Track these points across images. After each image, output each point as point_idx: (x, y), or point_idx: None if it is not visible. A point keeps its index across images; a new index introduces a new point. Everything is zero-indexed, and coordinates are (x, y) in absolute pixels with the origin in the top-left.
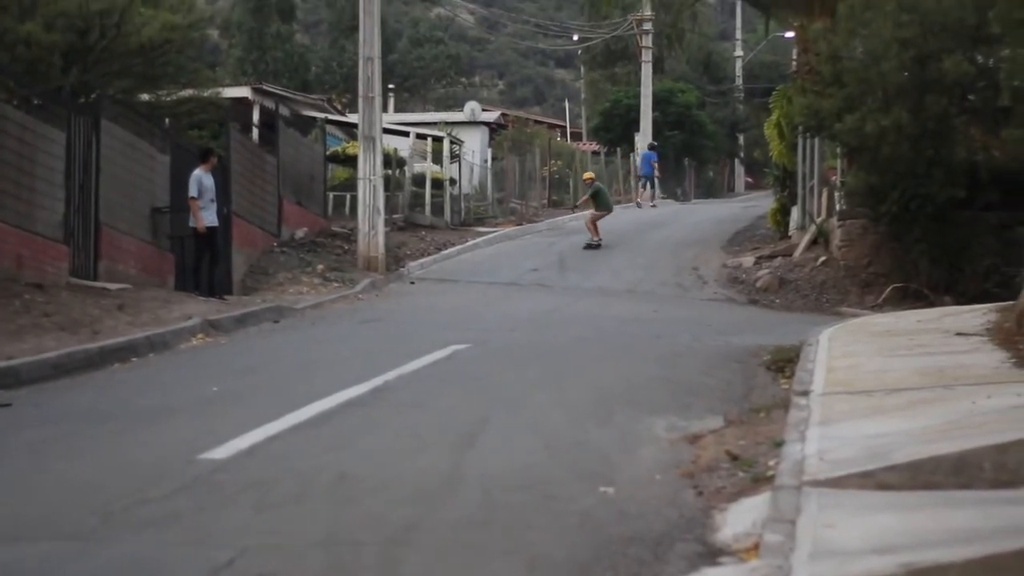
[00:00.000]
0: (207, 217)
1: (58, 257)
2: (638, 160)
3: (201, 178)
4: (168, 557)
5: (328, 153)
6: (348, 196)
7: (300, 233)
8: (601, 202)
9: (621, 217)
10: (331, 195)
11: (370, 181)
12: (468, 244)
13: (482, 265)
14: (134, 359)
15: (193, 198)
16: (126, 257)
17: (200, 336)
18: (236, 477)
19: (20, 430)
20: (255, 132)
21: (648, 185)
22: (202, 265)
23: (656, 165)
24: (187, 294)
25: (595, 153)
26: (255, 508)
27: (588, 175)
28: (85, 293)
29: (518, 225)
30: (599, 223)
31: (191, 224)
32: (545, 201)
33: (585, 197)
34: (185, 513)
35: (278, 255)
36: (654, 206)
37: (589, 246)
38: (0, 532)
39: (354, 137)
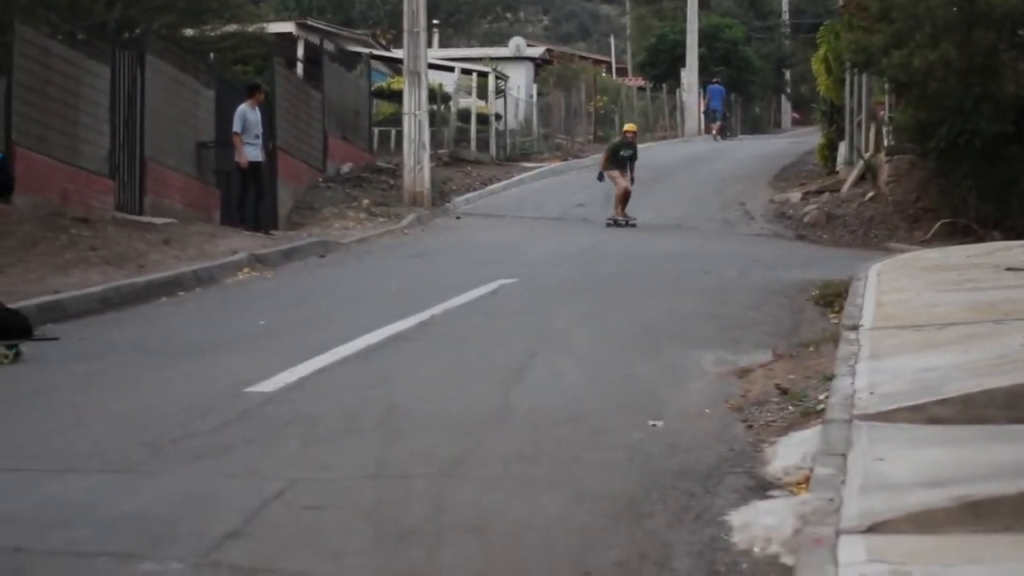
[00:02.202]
0: (250, 152)
1: (103, 191)
2: (706, 96)
3: (246, 113)
4: (217, 489)
5: (373, 88)
6: (393, 131)
7: (345, 168)
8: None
9: (667, 152)
10: (376, 130)
11: (415, 116)
12: (514, 179)
13: (528, 200)
14: (181, 293)
15: (236, 133)
16: (171, 191)
17: (246, 270)
18: (284, 410)
19: (68, 364)
20: (300, 67)
21: (717, 118)
22: (247, 200)
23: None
24: (233, 228)
25: (641, 89)
26: (303, 441)
27: (629, 126)
28: (131, 227)
29: (564, 160)
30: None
31: (237, 159)
32: (591, 136)
33: (604, 157)
34: (234, 446)
35: (324, 190)
36: (716, 139)
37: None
38: (51, 464)
39: (399, 72)
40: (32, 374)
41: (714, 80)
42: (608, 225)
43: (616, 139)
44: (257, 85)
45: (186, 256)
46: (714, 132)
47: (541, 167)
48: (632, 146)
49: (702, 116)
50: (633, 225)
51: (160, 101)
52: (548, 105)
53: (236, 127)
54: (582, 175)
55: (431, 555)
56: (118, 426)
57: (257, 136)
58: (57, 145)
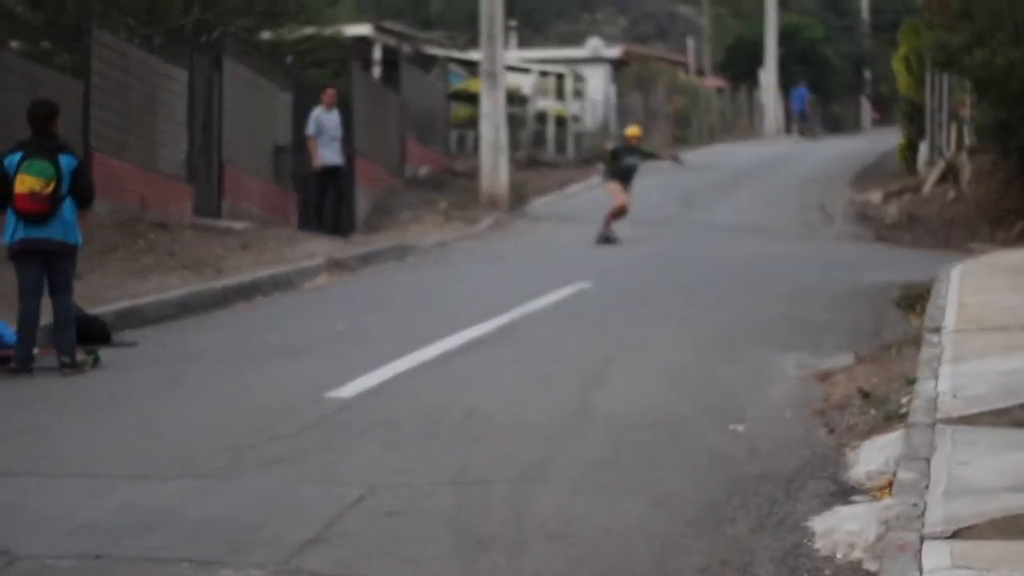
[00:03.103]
0: (326, 155)
1: (181, 196)
2: (790, 98)
3: (320, 116)
4: (297, 495)
5: (450, 91)
6: (471, 134)
7: (423, 171)
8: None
9: (745, 153)
10: (454, 133)
11: (492, 119)
12: (592, 182)
13: (605, 203)
14: (258, 298)
15: (310, 136)
16: (249, 196)
17: (325, 275)
18: (363, 415)
19: (146, 369)
20: (377, 70)
21: (802, 120)
22: (325, 204)
23: (808, 100)
24: (311, 233)
25: (719, 89)
26: (383, 446)
27: (633, 131)
28: (209, 232)
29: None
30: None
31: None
32: (670, 137)
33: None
34: (313, 451)
35: (401, 193)
36: (803, 138)
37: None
38: (130, 470)
39: (476, 75)
40: (111, 380)
41: (798, 82)
42: (599, 243)
43: (614, 145)
44: (325, 86)
45: (264, 261)
46: (800, 132)
47: None
48: (636, 152)
49: (785, 116)
50: (614, 242)
51: (237, 105)
52: (626, 106)
53: (310, 130)
54: (660, 176)
55: (511, 561)
56: (197, 432)
57: (334, 139)
58: (135, 150)
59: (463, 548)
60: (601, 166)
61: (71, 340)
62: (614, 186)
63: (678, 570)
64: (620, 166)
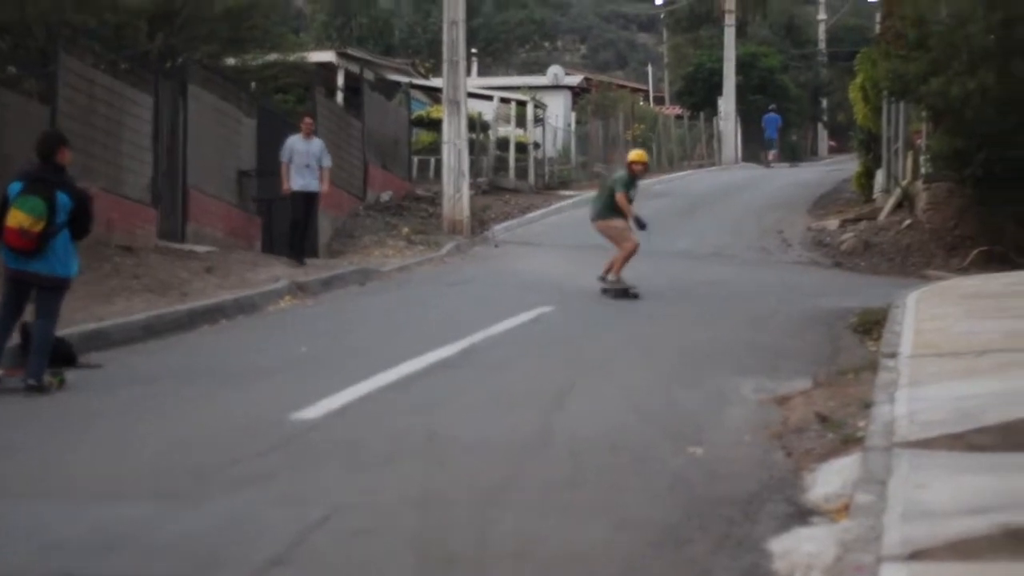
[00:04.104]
0: (295, 181)
1: (147, 220)
2: (762, 124)
3: (293, 143)
4: (262, 516)
5: (412, 117)
6: (432, 160)
7: (385, 196)
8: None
9: (704, 180)
10: (416, 159)
11: (454, 145)
12: (552, 207)
13: (566, 228)
14: (223, 321)
15: (282, 162)
16: (213, 220)
17: (288, 298)
18: (328, 437)
19: (113, 391)
20: (340, 96)
21: (773, 146)
22: (296, 229)
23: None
24: (275, 257)
25: (678, 117)
26: (347, 468)
27: (638, 155)
28: (173, 256)
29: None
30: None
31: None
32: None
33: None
34: (278, 473)
35: (363, 218)
36: (769, 166)
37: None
38: (97, 491)
39: (438, 101)
40: (77, 402)
41: (770, 109)
42: (605, 292)
43: (618, 173)
44: (301, 113)
45: (228, 284)
46: (769, 161)
47: (580, 195)
48: (636, 180)
49: (741, 142)
50: (636, 296)
51: (202, 130)
52: (586, 133)
53: (282, 156)
54: None
55: None
56: (163, 453)
57: (307, 166)
58: (101, 174)
59: (427, 568)
60: (594, 197)
61: (42, 365)
62: (617, 223)
63: None
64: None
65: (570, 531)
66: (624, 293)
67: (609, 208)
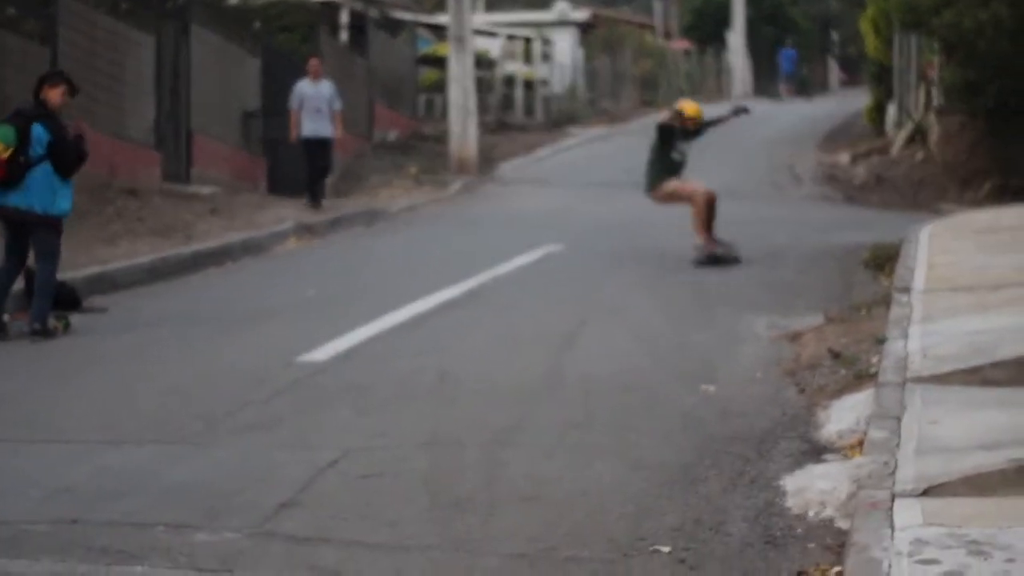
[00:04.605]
0: (307, 127)
1: (150, 163)
2: (778, 59)
3: (303, 88)
4: (271, 459)
5: (418, 55)
6: (439, 98)
7: (392, 136)
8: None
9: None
10: (422, 97)
11: (461, 82)
12: (560, 145)
13: (575, 166)
14: (229, 263)
15: (292, 110)
16: (218, 162)
17: (294, 239)
18: (336, 379)
19: (118, 335)
20: (344, 35)
21: (791, 81)
22: (313, 174)
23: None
24: (279, 198)
25: (687, 52)
26: (356, 410)
27: (692, 108)
28: (177, 198)
29: (610, 125)
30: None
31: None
32: (637, 101)
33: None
34: (286, 416)
35: (370, 158)
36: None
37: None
38: (105, 436)
39: (444, 39)
40: (82, 346)
41: (786, 43)
42: (698, 264)
43: (666, 121)
44: (308, 55)
45: (233, 226)
46: (786, 95)
47: (588, 132)
48: (691, 137)
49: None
50: (735, 260)
51: (205, 71)
52: (594, 70)
53: (292, 103)
54: (629, 140)
55: (486, 522)
56: (170, 397)
57: (318, 110)
58: (103, 117)
59: (438, 509)
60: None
61: (44, 308)
62: (673, 183)
63: (652, 530)
64: (671, 158)
65: (581, 472)
66: (715, 259)
67: (656, 171)
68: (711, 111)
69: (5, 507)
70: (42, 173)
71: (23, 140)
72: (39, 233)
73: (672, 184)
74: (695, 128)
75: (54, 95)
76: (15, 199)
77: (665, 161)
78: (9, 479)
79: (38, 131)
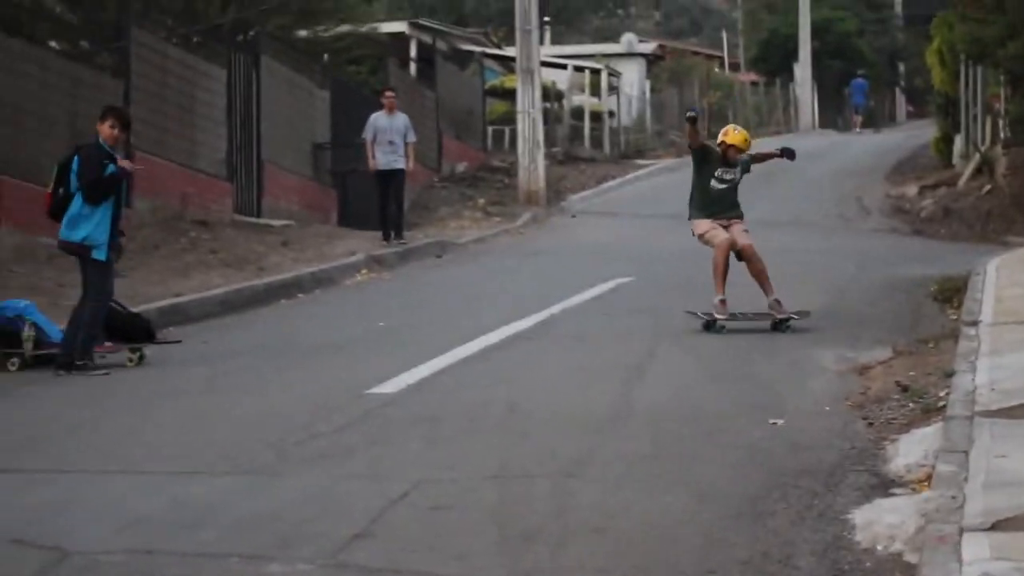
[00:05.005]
0: (380, 159)
1: (222, 194)
2: (849, 90)
3: (375, 120)
4: (342, 490)
5: (486, 87)
6: (507, 130)
7: (460, 167)
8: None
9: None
10: (490, 129)
11: (529, 114)
12: (628, 177)
13: (643, 197)
14: (299, 295)
15: (365, 141)
16: (289, 193)
17: (365, 272)
18: (406, 411)
19: (191, 367)
20: (413, 67)
21: (860, 112)
22: (386, 207)
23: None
24: (350, 230)
25: (754, 83)
26: (426, 441)
27: (736, 135)
28: (249, 230)
29: (678, 157)
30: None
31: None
32: (705, 132)
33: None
34: (357, 447)
35: (439, 190)
36: (859, 132)
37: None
38: (179, 467)
39: (512, 71)
40: (156, 377)
41: (857, 75)
42: (706, 325)
43: (702, 143)
44: (383, 90)
45: (304, 258)
46: (857, 126)
47: (655, 164)
48: (736, 167)
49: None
50: (788, 325)
51: (276, 103)
52: (661, 101)
53: (366, 135)
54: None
55: (555, 555)
56: (243, 428)
57: (391, 142)
58: (175, 149)
59: (507, 541)
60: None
61: (76, 340)
62: (704, 227)
63: (720, 562)
64: (710, 188)
65: (650, 504)
66: (711, 326)
67: (694, 203)
68: (765, 145)
69: (80, 538)
70: (76, 204)
71: (63, 174)
72: (85, 266)
73: (703, 225)
74: (739, 157)
75: (104, 129)
76: (62, 231)
77: (704, 191)
78: (84, 510)
79: (75, 163)
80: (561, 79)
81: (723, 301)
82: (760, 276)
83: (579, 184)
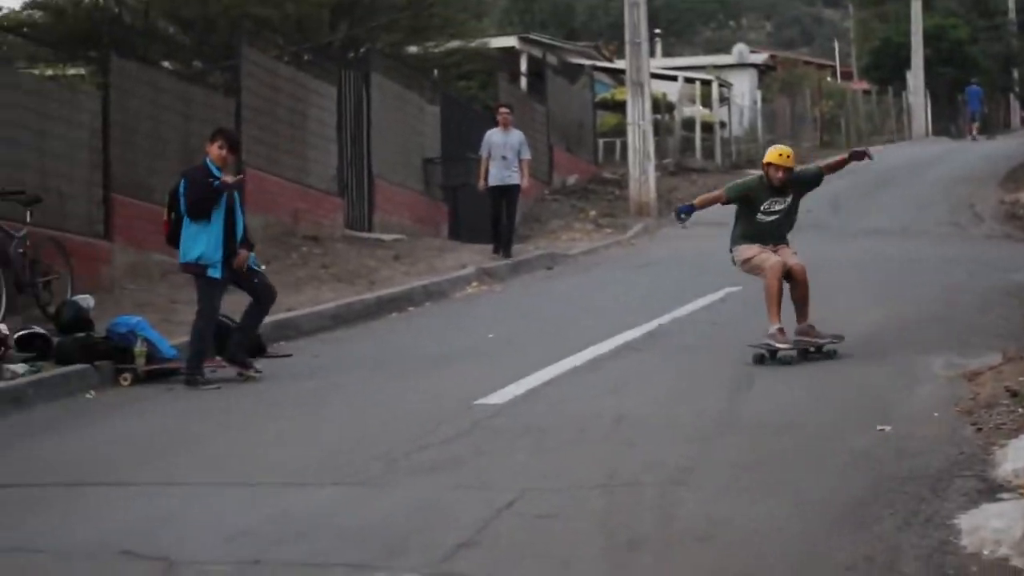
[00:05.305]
0: (492, 175)
1: (333, 209)
2: (964, 97)
3: (491, 137)
4: (450, 500)
5: (596, 100)
6: (618, 142)
7: (571, 180)
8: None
9: (894, 155)
10: (601, 141)
11: (639, 126)
12: None
13: None
14: (410, 308)
15: (479, 157)
16: (400, 208)
17: (475, 284)
18: (514, 421)
19: (302, 379)
20: (523, 81)
21: (976, 118)
22: (499, 223)
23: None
24: (461, 243)
25: (866, 92)
26: (533, 452)
27: (770, 152)
28: (361, 244)
29: None
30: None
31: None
32: (817, 142)
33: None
34: (465, 458)
35: (550, 202)
36: (974, 139)
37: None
38: (287, 478)
39: (622, 83)
40: (267, 390)
41: (972, 82)
42: (760, 359)
43: (748, 179)
44: (498, 106)
45: (415, 272)
46: (973, 133)
47: None
48: (787, 192)
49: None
50: (830, 351)
51: (386, 119)
52: (773, 112)
53: (481, 151)
54: None
55: (659, 563)
56: (352, 440)
57: (504, 158)
58: (287, 165)
59: (613, 550)
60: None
61: (191, 356)
62: (749, 251)
63: (824, 568)
64: (756, 223)
65: (755, 512)
66: (771, 355)
67: (735, 234)
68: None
69: (188, 548)
70: (185, 225)
71: (174, 199)
72: (196, 284)
73: (750, 250)
74: (790, 176)
75: (212, 150)
76: (180, 255)
77: (749, 223)
78: (194, 521)
79: (182, 186)
80: (672, 91)
81: (781, 330)
82: (804, 300)
83: (691, 195)
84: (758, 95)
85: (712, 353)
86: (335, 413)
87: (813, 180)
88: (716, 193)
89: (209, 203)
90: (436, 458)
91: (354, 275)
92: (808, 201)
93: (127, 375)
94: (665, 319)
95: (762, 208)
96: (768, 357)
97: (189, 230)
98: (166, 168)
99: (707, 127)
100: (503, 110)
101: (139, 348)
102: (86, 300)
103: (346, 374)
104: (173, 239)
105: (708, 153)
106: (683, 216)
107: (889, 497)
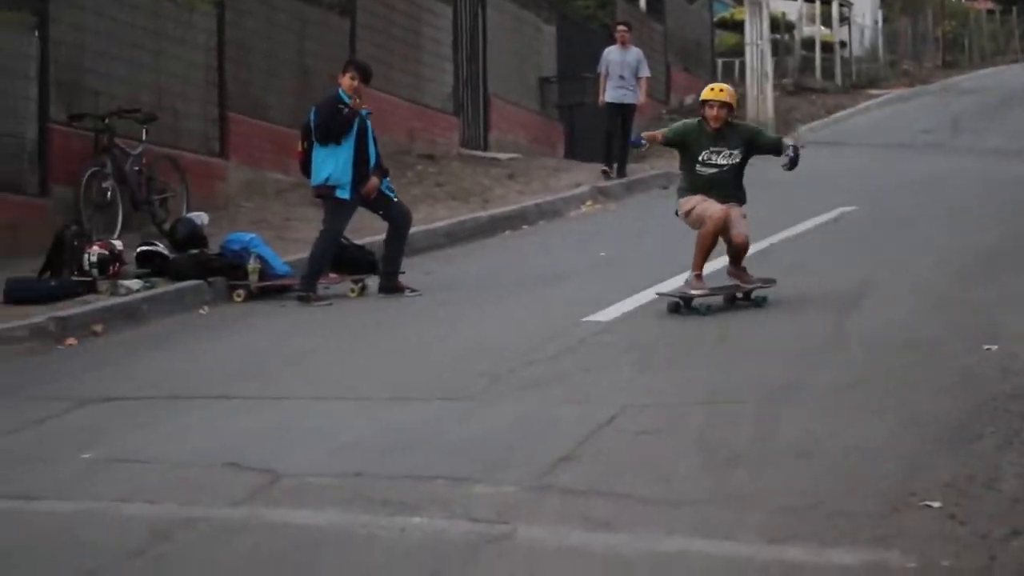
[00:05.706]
0: (609, 94)
1: (448, 128)
2: None
3: (607, 55)
4: (551, 415)
5: (715, 19)
6: (737, 62)
7: (689, 100)
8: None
9: (1018, 76)
10: (719, 61)
11: (757, 46)
12: (859, 107)
13: (874, 127)
14: (524, 227)
15: (598, 74)
16: (515, 127)
17: (590, 203)
18: (619, 339)
19: (413, 297)
20: (642, 1)
21: None
22: (612, 141)
23: None
24: (576, 162)
25: (990, 12)
26: (637, 368)
27: (714, 87)
28: (475, 163)
29: (910, 87)
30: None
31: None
32: (939, 62)
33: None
34: (570, 373)
35: (667, 122)
36: None
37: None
38: (394, 394)
39: (741, 3)
40: (377, 308)
41: None
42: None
43: (688, 121)
44: (616, 23)
45: (530, 190)
46: None
47: (887, 94)
48: (728, 142)
49: None
50: (759, 298)
51: (502, 38)
52: (894, 31)
53: (600, 68)
54: (929, 101)
55: (756, 478)
56: (459, 356)
57: (621, 76)
58: (402, 84)
59: (710, 465)
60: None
61: (305, 273)
62: (694, 201)
63: (923, 485)
64: (696, 174)
65: (856, 429)
66: (686, 303)
67: (682, 184)
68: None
69: (292, 461)
70: (315, 150)
71: (307, 130)
72: (324, 206)
73: (690, 201)
74: (728, 130)
75: (344, 80)
76: (312, 179)
77: (690, 176)
78: (300, 434)
79: (312, 115)
80: (791, 10)
81: (699, 276)
82: (739, 256)
83: (809, 115)
84: (879, 14)
85: (822, 272)
86: (444, 330)
87: (768, 145)
88: (657, 132)
89: (338, 128)
90: (541, 374)
91: (468, 193)
92: (927, 122)
93: (240, 291)
94: (776, 238)
95: (700, 158)
96: (683, 305)
97: (319, 154)
98: (281, 87)
99: (827, 47)
100: (621, 27)
101: (252, 265)
102: (200, 217)
103: (456, 291)
104: (305, 168)
105: (828, 73)
106: (641, 145)
107: (992, 416)
